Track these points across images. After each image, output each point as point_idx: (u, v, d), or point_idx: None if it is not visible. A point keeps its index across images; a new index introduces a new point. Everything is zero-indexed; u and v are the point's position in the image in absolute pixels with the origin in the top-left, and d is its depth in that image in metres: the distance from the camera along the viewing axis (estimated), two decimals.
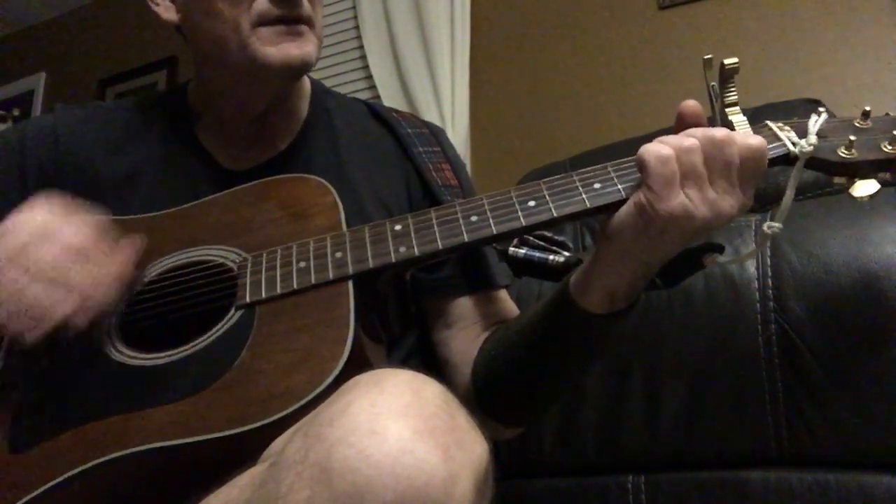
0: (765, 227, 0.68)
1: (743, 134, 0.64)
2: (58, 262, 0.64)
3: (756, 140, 0.63)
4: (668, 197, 0.61)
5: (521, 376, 0.78)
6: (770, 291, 0.93)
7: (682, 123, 0.68)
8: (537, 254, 0.81)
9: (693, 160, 0.61)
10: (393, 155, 0.92)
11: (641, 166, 0.63)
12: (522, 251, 0.81)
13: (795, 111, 0.85)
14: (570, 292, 0.71)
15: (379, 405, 0.47)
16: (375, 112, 0.96)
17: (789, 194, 0.67)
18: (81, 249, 0.65)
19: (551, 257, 0.80)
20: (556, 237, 0.82)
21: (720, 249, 0.69)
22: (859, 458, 0.88)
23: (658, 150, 0.62)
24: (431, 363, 0.89)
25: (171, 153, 0.89)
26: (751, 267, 0.96)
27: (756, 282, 0.95)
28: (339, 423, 0.47)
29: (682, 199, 0.61)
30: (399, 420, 0.46)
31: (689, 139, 0.62)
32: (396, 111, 0.99)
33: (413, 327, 0.89)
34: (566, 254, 0.80)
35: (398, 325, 0.86)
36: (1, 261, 0.63)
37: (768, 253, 0.95)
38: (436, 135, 0.97)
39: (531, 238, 0.83)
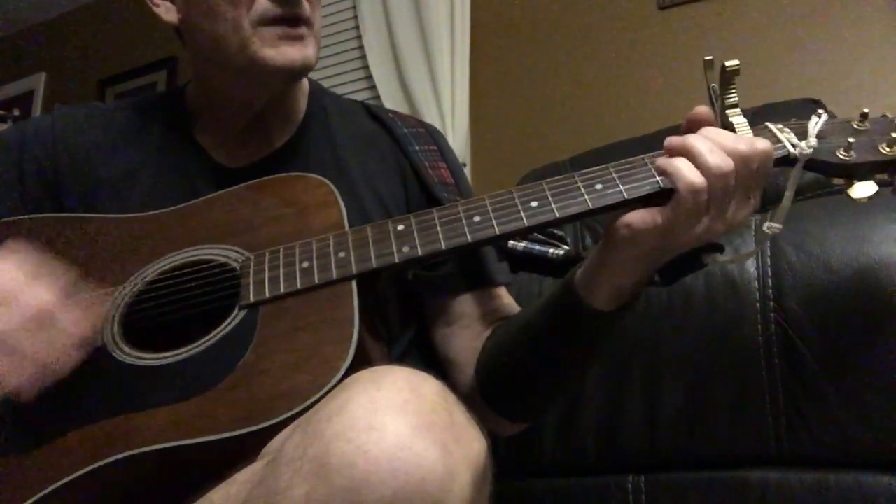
0: (764, 227, 0.68)
1: (751, 139, 0.64)
2: (13, 331, 0.61)
3: (764, 144, 0.64)
4: (694, 225, 0.62)
5: (527, 373, 0.79)
6: (770, 291, 0.93)
7: (691, 129, 0.68)
8: (537, 247, 0.81)
9: (725, 186, 0.62)
10: (390, 153, 0.92)
11: (678, 196, 0.62)
12: (522, 244, 0.81)
13: (795, 111, 0.85)
14: (576, 290, 0.71)
15: (377, 401, 0.47)
16: (372, 112, 0.97)
17: (788, 195, 0.68)
18: (40, 317, 0.63)
19: (551, 251, 0.80)
20: (555, 231, 0.82)
21: (720, 249, 0.69)
22: (859, 458, 0.88)
23: (692, 180, 0.61)
24: (429, 359, 0.89)
25: (169, 152, 0.89)
26: (751, 267, 0.96)
27: (756, 282, 0.95)
28: (338, 420, 0.47)
29: (706, 224, 0.63)
30: (397, 416, 0.46)
31: (726, 161, 0.61)
32: (393, 112, 0.99)
33: (414, 326, 0.89)
34: (565, 247, 0.80)
35: (399, 323, 0.86)
36: None
37: (768, 253, 0.95)
38: (432, 135, 0.97)
39: None
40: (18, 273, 0.64)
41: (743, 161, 0.62)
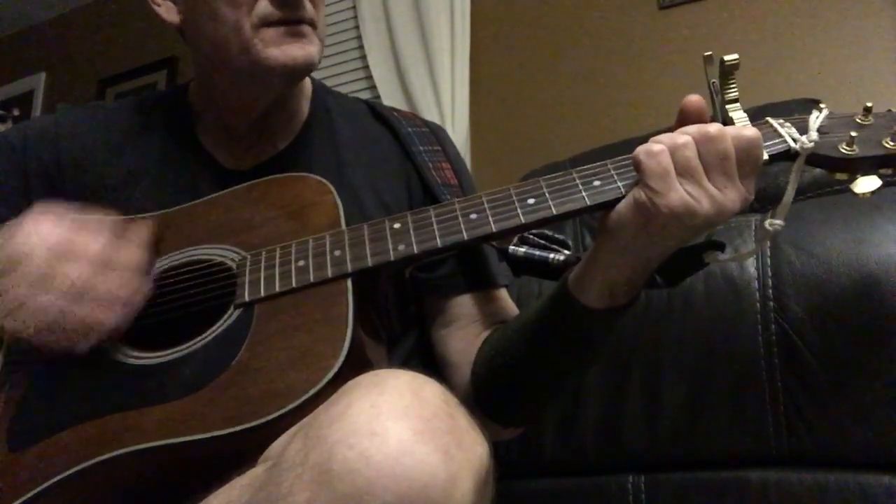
0: (766, 224, 0.68)
1: (737, 126, 0.64)
2: (88, 278, 0.65)
3: (750, 131, 0.64)
4: (665, 193, 0.61)
5: (521, 375, 0.78)
6: (770, 291, 0.93)
7: (684, 119, 0.67)
8: (537, 252, 0.81)
9: (686, 155, 0.62)
10: (393, 154, 0.92)
11: (636, 165, 0.64)
12: (522, 249, 0.81)
13: (795, 111, 0.85)
14: (569, 288, 0.70)
15: (379, 406, 0.47)
16: (376, 111, 0.96)
17: (790, 191, 0.67)
18: (103, 257, 0.66)
19: (552, 256, 0.80)
20: (556, 235, 0.82)
21: (721, 247, 0.69)
22: (859, 458, 0.88)
23: (649, 146, 0.63)
24: (432, 364, 0.88)
25: (172, 153, 0.89)
26: (751, 267, 0.96)
27: (756, 282, 0.95)
28: (340, 425, 0.47)
29: (682, 195, 0.61)
30: (399, 421, 0.46)
31: (682, 136, 0.63)
32: (397, 110, 0.98)
33: (414, 327, 0.89)
34: (566, 252, 0.80)
35: (399, 324, 0.86)
36: (28, 287, 0.64)
37: (768, 253, 0.95)
38: (436, 133, 0.96)
39: (531, 236, 0.83)
40: (63, 227, 0.67)
41: (704, 136, 0.62)
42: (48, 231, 0.66)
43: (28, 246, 0.65)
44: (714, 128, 0.63)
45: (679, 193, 0.61)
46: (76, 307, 0.64)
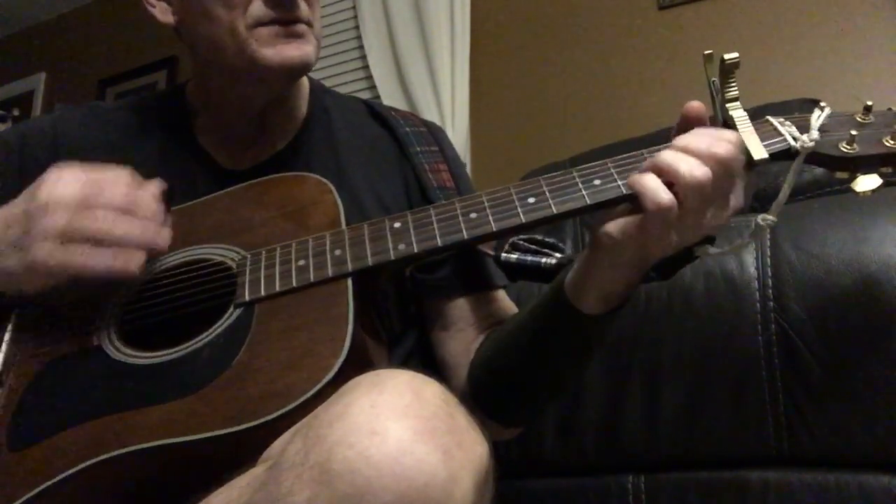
0: (759, 219, 0.68)
1: (730, 135, 0.64)
2: (114, 226, 0.66)
3: (724, 148, 0.62)
4: (668, 237, 0.62)
5: (519, 377, 0.78)
6: (770, 291, 0.93)
7: (685, 125, 0.67)
8: (529, 257, 0.81)
9: (697, 203, 0.61)
10: (392, 155, 0.92)
11: (640, 203, 0.62)
12: (514, 256, 0.81)
13: (794, 111, 0.85)
14: (565, 294, 0.71)
15: (379, 406, 0.47)
16: (374, 111, 0.96)
17: (785, 189, 0.67)
18: (125, 206, 0.68)
19: (544, 260, 0.80)
20: (546, 239, 0.82)
21: (711, 241, 0.69)
22: (859, 458, 0.88)
23: (657, 194, 0.61)
24: (431, 363, 0.88)
25: (170, 153, 0.89)
26: (751, 267, 0.96)
27: (756, 282, 0.95)
28: (339, 425, 0.47)
29: (679, 233, 0.62)
30: (399, 421, 0.46)
31: (704, 171, 0.60)
32: (395, 110, 0.98)
33: (414, 327, 0.89)
34: (558, 255, 0.80)
35: (399, 324, 0.86)
36: (53, 237, 0.64)
37: (768, 253, 0.95)
38: (434, 134, 0.96)
39: (522, 242, 0.83)
40: (81, 182, 0.67)
41: (721, 165, 0.61)
42: (66, 186, 0.67)
43: (48, 199, 0.66)
44: (737, 164, 0.62)
45: (677, 233, 0.62)
46: (102, 254, 0.65)
